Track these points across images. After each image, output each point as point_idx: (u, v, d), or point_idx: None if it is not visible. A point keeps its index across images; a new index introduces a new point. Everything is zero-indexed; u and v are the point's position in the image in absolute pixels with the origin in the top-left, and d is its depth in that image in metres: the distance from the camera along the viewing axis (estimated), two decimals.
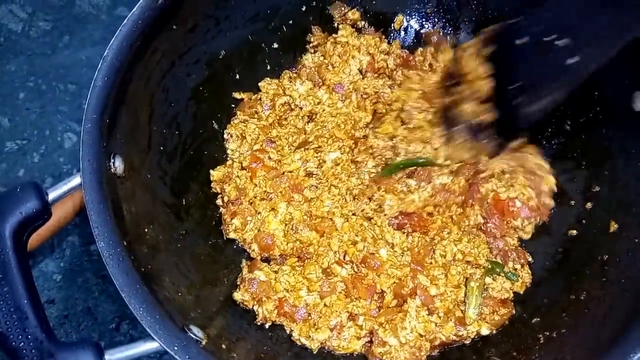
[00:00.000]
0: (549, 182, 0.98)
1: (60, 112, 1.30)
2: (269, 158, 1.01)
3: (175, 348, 0.65)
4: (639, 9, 0.66)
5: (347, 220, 0.96)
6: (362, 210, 0.97)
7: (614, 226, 0.87)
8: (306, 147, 1.01)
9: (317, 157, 1.01)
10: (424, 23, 1.14)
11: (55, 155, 1.26)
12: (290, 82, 1.08)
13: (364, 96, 1.08)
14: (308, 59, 1.10)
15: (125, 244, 0.72)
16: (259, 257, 0.96)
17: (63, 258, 1.16)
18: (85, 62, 1.35)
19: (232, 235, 0.97)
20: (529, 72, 0.79)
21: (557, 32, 0.71)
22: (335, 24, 1.12)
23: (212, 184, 1.01)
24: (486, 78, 0.85)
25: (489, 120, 0.87)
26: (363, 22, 1.12)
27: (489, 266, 0.92)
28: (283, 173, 1.00)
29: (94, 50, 1.36)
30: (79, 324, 1.09)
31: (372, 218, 0.96)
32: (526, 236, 0.97)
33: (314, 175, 1.00)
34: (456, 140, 0.93)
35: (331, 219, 0.96)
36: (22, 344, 0.65)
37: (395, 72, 1.08)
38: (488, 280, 0.91)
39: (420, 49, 1.10)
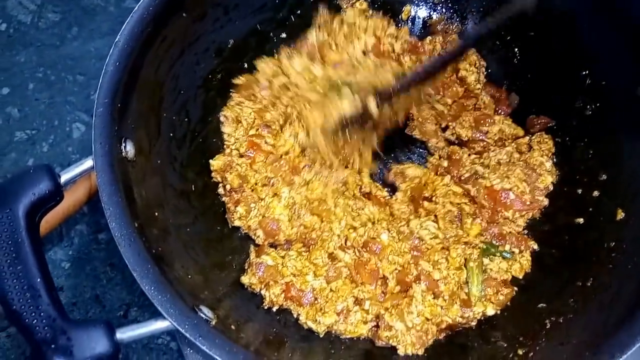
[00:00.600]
0: (546, 181, 0.98)
1: (69, 102, 1.31)
2: (266, 143, 1.01)
3: (186, 326, 0.66)
4: None
5: (337, 205, 0.96)
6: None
7: (620, 214, 0.87)
8: (290, 121, 1.01)
9: (303, 126, 0.99)
10: (431, 13, 1.14)
11: (63, 144, 1.27)
12: (288, 58, 1.06)
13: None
14: (312, 34, 1.08)
15: (136, 225, 0.72)
16: (265, 243, 0.96)
17: (72, 246, 1.17)
18: (93, 54, 1.36)
19: (237, 223, 0.98)
20: None
21: None
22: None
23: (213, 173, 1.01)
24: None
25: None
26: (371, 12, 1.13)
27: (484, 247, 0.93)
28: (281, 156, 1.00)
29: (102, 42, 1.37)
30: (87, 311, 1.10)
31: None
32: (517, 229, 0.97)
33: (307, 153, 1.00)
34: None
35: (325, 200, 0.96)
36: (36, 321, 0.65)
37: (402, 56, 1.08)
38: (486, 261, 0.92)
39: (429, 38, 1.11)
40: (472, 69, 1.07)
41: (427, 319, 0.87)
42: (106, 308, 1.10)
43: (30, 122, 1.29)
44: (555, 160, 1.01)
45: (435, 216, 0.96)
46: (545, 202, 0.98)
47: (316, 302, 0.89)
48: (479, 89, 1.07)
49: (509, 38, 1.08)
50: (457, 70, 1.09)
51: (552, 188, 0.99)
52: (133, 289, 1.13)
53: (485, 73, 1.10)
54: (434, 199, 0.97)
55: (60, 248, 1.16)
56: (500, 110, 1.06)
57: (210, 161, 1.00)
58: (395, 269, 0.91)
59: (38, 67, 1.34)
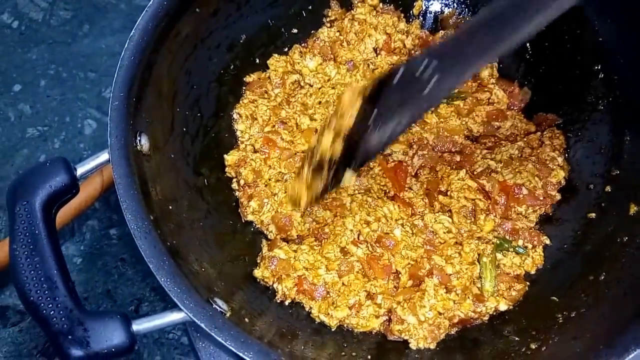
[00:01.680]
0: (558, 176, 0.98)
1: (81, 99, 1.31)
2: (282, 139, 1.02)
3: (202, 318, 0.66)
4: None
5: (354, 201, 0.97)
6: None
7: (633, 208, 0.87)
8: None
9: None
10: (443, 8, 1.14)
11: (75, 141, 1.28)
12: (301, 57, 1.08)
13: (372, 67, 1.08)
14: (323, 33, 1.10)
15: (151, 219, 0.73)
16: (277, 237, 0.97)
17: (83, 242, 1.18)
18: (104, 51, 1.37)
19: (250, 218, 0.98)
20: (386, 103, 0.75)
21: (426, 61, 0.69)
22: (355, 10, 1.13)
23: (227, 168, 1.02)
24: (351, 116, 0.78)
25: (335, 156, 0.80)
26: (382, 6, 1.13)
27: (497, 242, 0.93)
28: (296, 153, 1.00)
29: (113, 39, 1.38)
30: (99, 305, 1.11)
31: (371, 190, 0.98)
32: (530, 224, 0.97)
33: None
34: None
35: (339, 198, 0.97)
36: (53, 312, 0.66)
37: (413, 51, 1.08)
38: (499, 256, 0.92)
39: (441, 32, 1.11)
40: None
41: (440, 313, 0.87)
42: (117, 302, 1.11)
43: (42, 119, 1.30)
44: (567, 155, 1.01)
45: (450, 210, 0.96)
46: (558, 196, 0.98)
47: (328, 295, 0.90)
48: (492, 83, 1.07)
49: None
50: None
51: (564, 183, 0.98)
52: (144, 284, 1.13)
53: (497, 68, 1.09)
54: (449, 193, 0.97)
55: (72, 243, 1.17)
56: (512, 105, 1.06)
57: (225, 156, 1.01)
58: (408, 264, 0.91)
59: (50, 64, 1.35)
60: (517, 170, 0.97)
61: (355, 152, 0.77)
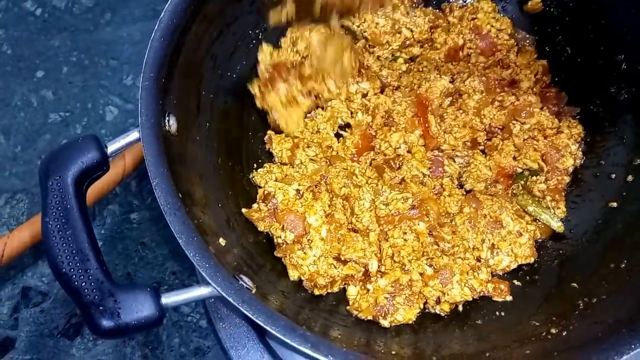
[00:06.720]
0: (566, 163, 1.00)
1: (102, 86, 1.33)
2: None
3: (231, 292, 0.67)
4: None
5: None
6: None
7: None
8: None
9: None
10: None
11: (97, 127, 1.29)
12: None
13: None
14: None
15: (180, 196, 0.74)
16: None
17: (104, 225, 1.19)
18: (126, 39, 1.38)
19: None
20: None
21: None
22: None
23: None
24: None
25: None
26: None
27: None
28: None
29: (134, 28, 1.39)
30: None
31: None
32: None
33: None
34: None
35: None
36: (84, 283, 0.67)
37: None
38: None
39: None
40: (531, 77, 1.06)
41: None
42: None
43: (64, 105, 1.31)
44: (585, 145, 1.01)
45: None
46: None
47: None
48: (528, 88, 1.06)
49: (543, 22, 1.09)
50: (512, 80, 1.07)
51: (571, 170, 1.00)
52: (164, 267, 1.15)
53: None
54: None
55: (94, 227, 1.17)
56: (545, 108, 1.05)
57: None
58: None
59: (72, 52, 1.37)
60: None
61: None
